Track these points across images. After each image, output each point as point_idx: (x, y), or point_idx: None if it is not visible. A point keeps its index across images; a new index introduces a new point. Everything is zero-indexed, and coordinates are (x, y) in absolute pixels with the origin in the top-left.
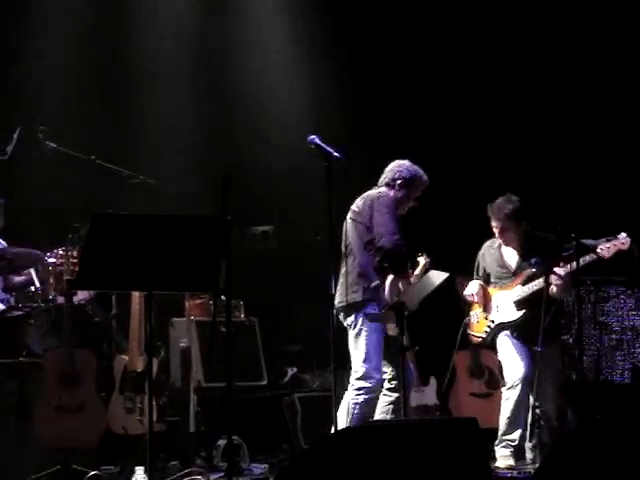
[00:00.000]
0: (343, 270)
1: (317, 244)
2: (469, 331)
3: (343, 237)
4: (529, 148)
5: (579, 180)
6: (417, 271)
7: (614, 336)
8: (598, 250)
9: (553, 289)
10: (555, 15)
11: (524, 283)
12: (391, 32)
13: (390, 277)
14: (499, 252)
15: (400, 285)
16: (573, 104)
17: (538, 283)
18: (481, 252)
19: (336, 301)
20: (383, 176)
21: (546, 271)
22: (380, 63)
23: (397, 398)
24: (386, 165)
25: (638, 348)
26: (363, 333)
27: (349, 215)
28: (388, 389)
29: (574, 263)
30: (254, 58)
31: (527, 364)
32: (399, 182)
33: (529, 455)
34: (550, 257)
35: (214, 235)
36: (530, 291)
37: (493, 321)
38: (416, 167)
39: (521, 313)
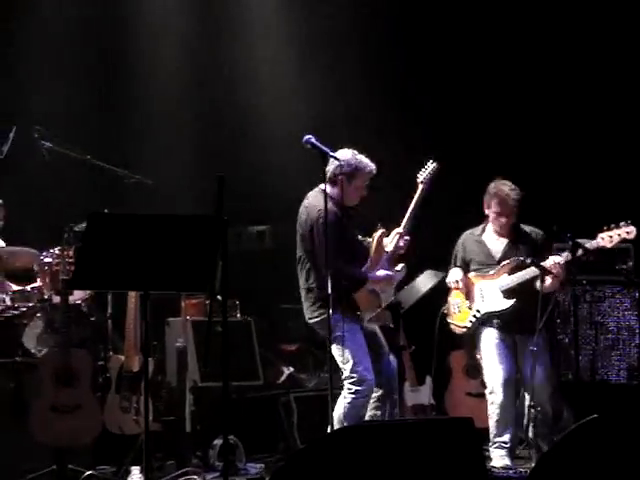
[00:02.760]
0: (304, 284)
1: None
2: (450, 320)
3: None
4: (522, 147)
5: (575, 179)
6: (373, 245)
7: (610, 336)
8: (598, 239)
9: (547, 283)
10: (551, 18)
11: (510, 272)
12: (392, 27)
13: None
14: (482, 240)
15: (371, 287)
16: (569, 101)
17: (528, 272)
18: (460, 241)
19: (306, 318)
20: (327, 170)
21: (538, 265)
22: (379, 62)
23: (382, 394)
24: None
25: (634, 348)
26: (345, 339)
27: (297, 226)
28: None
29: (567, 254)
30: (252, 57)
31: (507, 367)
32: (340, 178)
33: (525, 454)
34: (540, 251)
35: (210, 235)
36: (520, 280)
37: (479, 310)
38: (359, 158)
39: (511, 302)
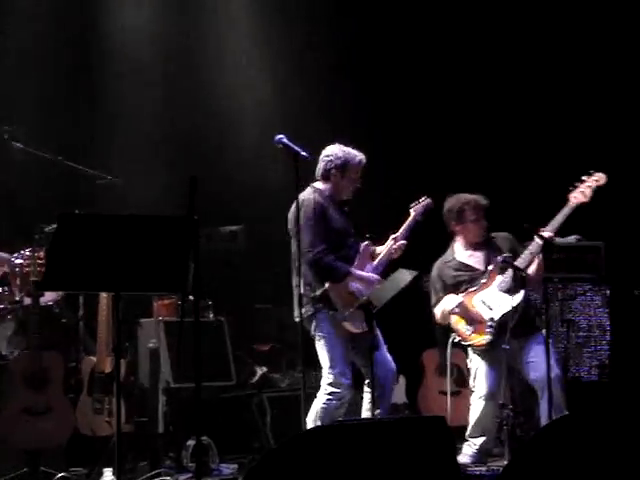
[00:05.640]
0: (295, 282)
1: (286, 243)
2: (469, 343)
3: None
4: (493, 148)
5: (544, 178)
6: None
7: (581, 333)
8: (572, 199)
9: (533, 269)
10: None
11: (501, 272)
12: (362, 28)
13: (327, 284)
14: (458, 261)
15: (352, 284)
16: (540, 102)
17: (520, 262)
18: (435, 273)
19: (295, 314)
20: (317, 168)
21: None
22: (347, 63)
23: (376, 395)
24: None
25: (605, 345)
26: (323, 340)
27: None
28: (368, 384)
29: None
30: (221, 57)
31: (492, 379)
32: (333, 172)
33: (498, 452)
34: (515, 249)
35: (182, 235)
36: (512, 275)
37: (492, 318)
38: (347, 150)
39: (520, 295)
